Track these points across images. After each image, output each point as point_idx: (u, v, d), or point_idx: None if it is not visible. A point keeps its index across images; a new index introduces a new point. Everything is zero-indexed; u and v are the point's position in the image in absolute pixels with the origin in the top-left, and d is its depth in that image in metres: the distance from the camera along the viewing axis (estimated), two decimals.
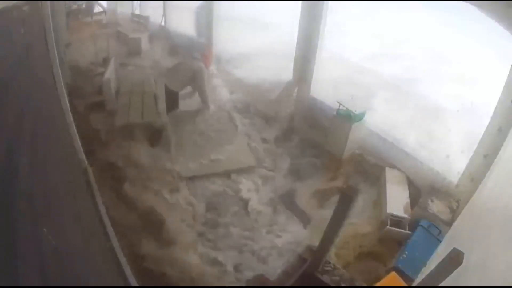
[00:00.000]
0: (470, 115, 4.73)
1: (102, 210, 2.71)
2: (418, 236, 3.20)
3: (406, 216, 3.39)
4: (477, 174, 3.34)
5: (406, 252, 3.05)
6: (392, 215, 3.39)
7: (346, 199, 2.12)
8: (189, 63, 5.13)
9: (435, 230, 3.24)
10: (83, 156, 2.74)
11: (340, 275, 2.73)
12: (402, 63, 6.30)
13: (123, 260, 2.46)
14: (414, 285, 2.64)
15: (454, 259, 1.63)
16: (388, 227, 3.32)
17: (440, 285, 1.72)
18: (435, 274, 1.72)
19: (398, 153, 4.15)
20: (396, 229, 3.32)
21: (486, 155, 3.22)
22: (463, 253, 1.63)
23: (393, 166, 4.05)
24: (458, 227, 3.01)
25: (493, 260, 1.85)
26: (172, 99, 4.98)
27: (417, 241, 3.15)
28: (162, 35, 7.72)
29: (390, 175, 3.90)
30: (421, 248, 3.05)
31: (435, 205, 3.45)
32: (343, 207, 2.16)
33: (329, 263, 2.74)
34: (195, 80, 5.07)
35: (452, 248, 1.66)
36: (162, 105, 4.68)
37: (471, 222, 2.76)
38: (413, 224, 3.35)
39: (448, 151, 3.98)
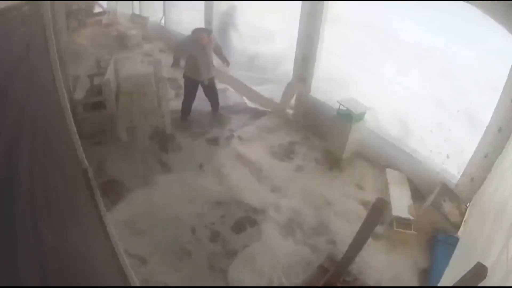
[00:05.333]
0: (470, 114, 4.74)
1: (102, 210, 2.71)
2: (440, 252, 3.13)
3: (411, 217, 3.40)
4: (477, 174, 3.34)
5: (435, 272, 2.97)
6: (397, 217, 3.40)
7: (376, 212, 2.10)
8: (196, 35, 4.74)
9: (454, 240, 3.16)
10: (83, 156, 2.73)
11: (362, 285, 2.73)
12: (400, 62, 6.30)
13: (123, 260, 2.46)
14: None
15: (478, 273, 1.63)
16: (395, 229, 3.36)
17: (446, 285, 1.72)
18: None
19: (398, 153, 4.15)
20: (403, 230, 3.35)
21: (486, 155, 3.23)
22: (487, 268, 1.62)
23: (393, 166, 4.05)
24: (468, 231, 3.02)
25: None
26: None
27: (441, 257, 3.04)
28: (162, 35, 7.73)
29: (391, 176, 3.91)
30: (446, 264, 2.94)
31: (447, 205, 3.43)
32: (372, 219, 2.13)
33: (350, 273, 2.74)
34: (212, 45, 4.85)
35: (466, 254, 1.66)
36: (166, 106, 4.67)
37: (481, 226, 2.75)
38: (431, 239, 3.34)
39: (448, 151, 3.98)
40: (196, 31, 4.73)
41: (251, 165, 4.31)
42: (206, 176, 4.10)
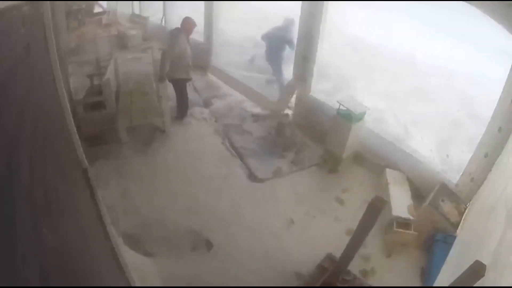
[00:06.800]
0: (470, 114, 4.74)
1: (102, 210, 2.71)
2: (439, 252, 3.10)
3: (411, 217, 3.40)
4: (477, 174, 3.34)
5: (434, 272, 2.92)
6: (397, 217, 3.40)
7: (374, 210, 2.09)
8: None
9: (452, 239, 3.14)
10: (83, 156, 2.73)
11: (361, 284, 2.72)
12: (402, 63, 6.30)
13: (123, 260, 2.46)
14: None
15: (476, 271, 1.63)
16: (395, 229, 3.35)
17: (443, 283, 1.72)
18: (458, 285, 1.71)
19: (398, 153, 4.15)
20: (403, 230, 3.35)
21: (486, 155, 3.23)
22: (485, 266, 1.62)
23: (393, 166, 4.05)
24: (465, 228, 3.01)
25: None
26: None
27: (440, 257, 2.99)
28: (162, 35, 7.72)
29: (391, 176, 3.91)
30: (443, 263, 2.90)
31: (445, 205, 3.43)
32: (370, 217, 2.12)
33: (349, 272, 2.72)
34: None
35: (462, 251, 1.66)
36: (166, 105, 4.67)
37: (477, 222, 2.75)
38: (430, 239, 3.32)
39: (448, 151, 3.98)
40: (187, 19, 4.71)
41: (239, 167, 4.38)
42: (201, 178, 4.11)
